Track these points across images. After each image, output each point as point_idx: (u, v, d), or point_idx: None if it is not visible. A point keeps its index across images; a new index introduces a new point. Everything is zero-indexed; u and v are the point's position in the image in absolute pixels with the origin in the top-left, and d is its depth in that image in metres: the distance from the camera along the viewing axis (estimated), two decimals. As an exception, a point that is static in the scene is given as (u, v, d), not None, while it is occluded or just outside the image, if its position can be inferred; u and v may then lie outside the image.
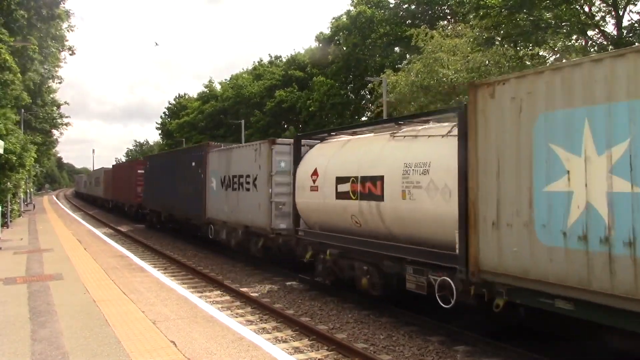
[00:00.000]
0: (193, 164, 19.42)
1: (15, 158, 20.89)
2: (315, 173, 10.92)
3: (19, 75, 22.53)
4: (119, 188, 35.11)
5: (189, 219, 20.12)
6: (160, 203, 24.20)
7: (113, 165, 45.46)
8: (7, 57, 20.16)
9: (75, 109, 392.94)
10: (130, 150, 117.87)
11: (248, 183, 14.72)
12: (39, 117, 36.96)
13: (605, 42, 19.50)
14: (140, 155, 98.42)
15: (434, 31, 23.15)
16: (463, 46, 21.29)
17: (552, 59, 22.25)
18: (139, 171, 29.25)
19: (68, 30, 31.62)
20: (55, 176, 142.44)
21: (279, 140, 13.98)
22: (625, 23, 19.32)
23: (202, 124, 57.92)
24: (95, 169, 53.41)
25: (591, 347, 6.78)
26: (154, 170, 26.07)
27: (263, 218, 13.70)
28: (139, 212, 29.48)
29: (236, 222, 15.46)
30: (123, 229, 27.58)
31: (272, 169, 13.43)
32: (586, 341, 6.73)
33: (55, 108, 41.04)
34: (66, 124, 44.29)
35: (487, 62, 20.15)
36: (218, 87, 63.27)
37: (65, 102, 43.31)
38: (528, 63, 20.80)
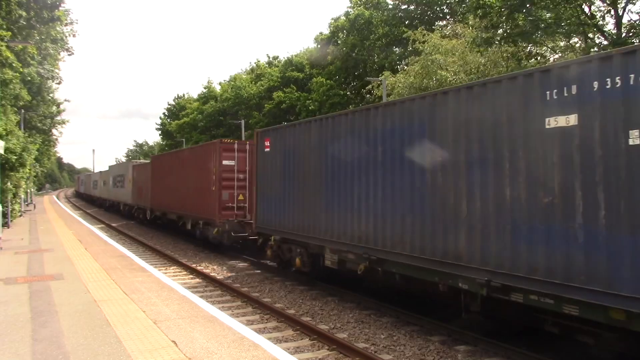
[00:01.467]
0: (551, 121, 6.32)
1: (15, 158, 20.95)
2: None
3: (18, 74, 22.54)
4: (170, 192, 23.11)
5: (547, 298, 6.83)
6: (329, 228, 11.08)
7: (153, 157, 32.31)
8: (9, 54, 20.10)
9: (75, 109, 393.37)
10: (131, 150, 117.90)
11: None
12: (40, 115, 36.94)
13: (605, 42, 19.49)
14: (140, 156, 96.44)
15: (431, 33, 23.13)
16: (460, 47, 21.28)
17: (552, 59, 22.25)
18: (226, 162, 17.51)
19: (70, 35, 31.43)
20: (56, 176, 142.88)
21: None
22: (624, 23, 19.31)
23: (202, 123, 57.88)
24: (111, 165, 45.38)
25: (590, 347, 6.78)
26: (296, 160, 12.63)
27: None
28: (223, 236, 17.29)
29: None
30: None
31: None
32: (585, 341, 6.73)
33: (55, 107, 41.09)
34: (64, 121, 44.41)
35: (484, 62, 20.14)
36: (218, 88, 63.24)
37: (66, 100, 43.45)
38: (525, 63, 20.78)
